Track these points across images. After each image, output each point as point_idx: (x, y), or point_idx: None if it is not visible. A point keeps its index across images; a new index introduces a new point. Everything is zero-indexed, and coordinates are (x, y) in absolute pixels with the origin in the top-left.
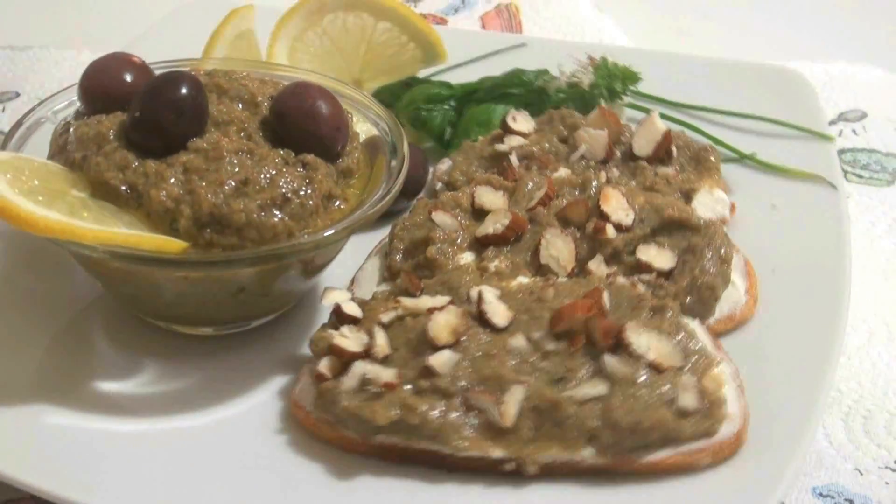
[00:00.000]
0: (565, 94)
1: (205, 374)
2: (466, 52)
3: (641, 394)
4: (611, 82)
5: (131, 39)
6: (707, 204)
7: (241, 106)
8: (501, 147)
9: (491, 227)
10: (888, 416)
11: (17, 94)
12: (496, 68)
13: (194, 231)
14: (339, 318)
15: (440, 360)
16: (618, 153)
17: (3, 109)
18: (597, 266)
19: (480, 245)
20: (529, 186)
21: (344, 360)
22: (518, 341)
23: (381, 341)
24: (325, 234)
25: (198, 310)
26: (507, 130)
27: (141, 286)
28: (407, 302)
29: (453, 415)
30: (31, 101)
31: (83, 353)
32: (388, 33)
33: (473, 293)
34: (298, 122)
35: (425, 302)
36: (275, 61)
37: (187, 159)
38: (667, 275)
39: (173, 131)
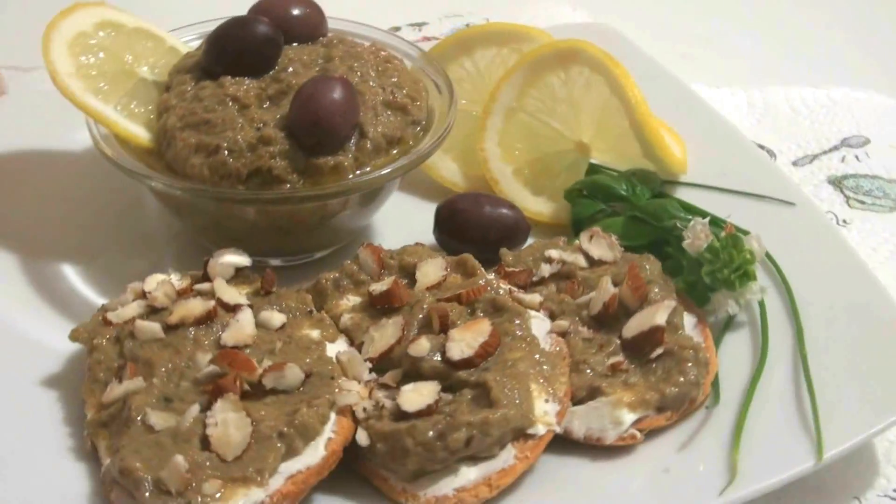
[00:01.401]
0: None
1: None
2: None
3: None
4: (714, 265)
5: None
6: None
7: None
8: (549, 253)
9: (373, 285)
10: (888, 445)
11: None
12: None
13: (159, 137)
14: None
15: (142, 325)
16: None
17: None
18: (392, 377)
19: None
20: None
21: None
22: (201, 359)
23: (160, 293)
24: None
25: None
26: (579, 247)
27: (204, 216)
28: (210, 286)
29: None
30: None
31: None
32: (618, 114)
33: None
34: (292, 100)
35: (222, 291)
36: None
37: (207, 86)
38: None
39: (219, 61)
